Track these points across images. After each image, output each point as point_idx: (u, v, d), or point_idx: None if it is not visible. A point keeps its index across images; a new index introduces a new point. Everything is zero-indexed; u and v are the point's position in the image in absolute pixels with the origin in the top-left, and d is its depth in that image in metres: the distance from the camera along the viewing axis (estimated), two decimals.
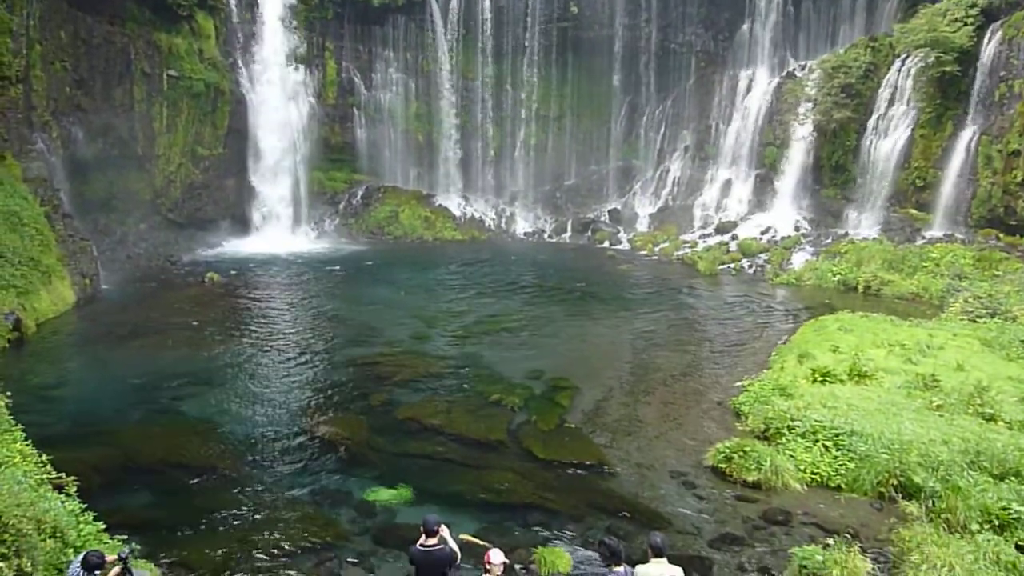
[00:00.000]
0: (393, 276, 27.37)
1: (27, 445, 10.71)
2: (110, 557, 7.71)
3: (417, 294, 24.97)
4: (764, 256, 30.61)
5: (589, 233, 36.48)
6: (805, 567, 9.12)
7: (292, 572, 9.77)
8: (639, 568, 6.91)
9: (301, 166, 33.10)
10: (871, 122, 30.66)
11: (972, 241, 26.71)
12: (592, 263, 31.22)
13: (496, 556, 6.98)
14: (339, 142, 35.97)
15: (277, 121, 32.39)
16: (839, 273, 26.89)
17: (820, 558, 9.05)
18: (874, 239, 28.67)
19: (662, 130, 37.97)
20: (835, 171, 32.04)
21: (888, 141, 29.93)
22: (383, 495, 11.73)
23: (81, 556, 7.55)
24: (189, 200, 30.78)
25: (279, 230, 32.48)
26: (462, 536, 8.24)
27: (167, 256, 28.16)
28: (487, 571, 6.94)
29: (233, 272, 26.72)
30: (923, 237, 28.17)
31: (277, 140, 32.30)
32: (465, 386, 16.55)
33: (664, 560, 6.92)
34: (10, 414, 11.54)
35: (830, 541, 9.80)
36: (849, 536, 10.02)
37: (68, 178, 25.29)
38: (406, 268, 28.68)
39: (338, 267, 28.26)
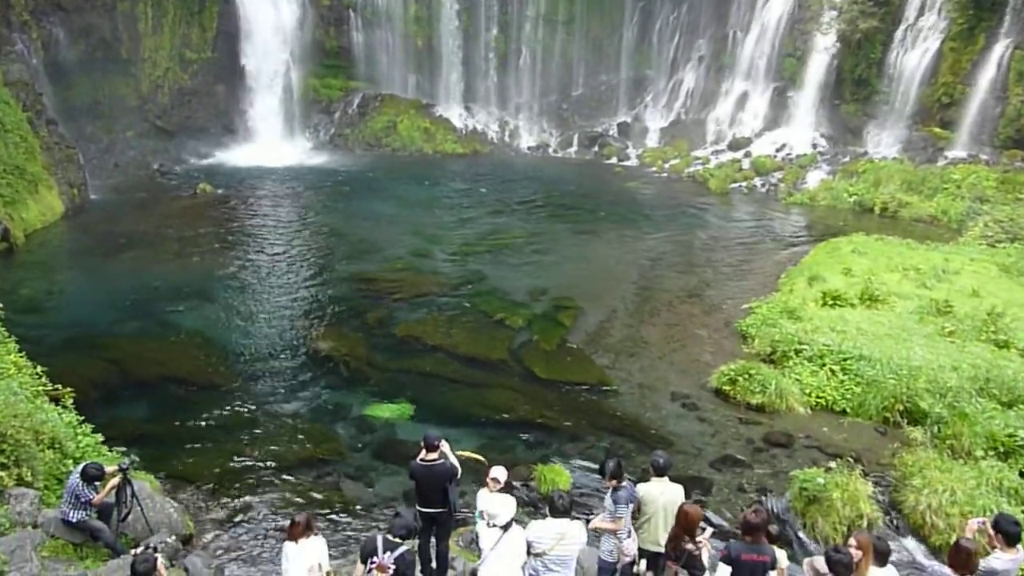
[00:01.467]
0: (393, 190, 27.07)
1: (21, 357, 10.69)
2: (110, 468, 7.78)
3: (417, 209, 24.76)
4: (778, 174, 30.10)
5: (596, 148, 35.71)
6: (805, 489, 9.21)
7: (292, 485, 9.90)
8: (640, 486, 7.03)
9: (294, 72, 32.10)
10: (898, 33, 29.40)
11: (996, 162, 26.04)
12: (599, 180, 30.88)
13: (499, 472, 7.02)
14: (334, 46, 34.40)
15: (268, 23, 31.05)
16: (855, 194, 26.50)
17: (821, 481, 9.12)
18: (894, 159, 28.05)
19: (676, 38, 36.42)
20: (857, 85, 30.97)
21: (915, 54, 28.81)
22: (383, 411, 11.88)
23: (80, 467, 7.62)
24: (178, 107, 29.99)
25: (272, 140, 31.58)
26: (462, 452, 8.29)
27: (156, 165, 27.71)
28: (488, 487, 7.00)
29: (225, 183, 26.33)
30: (945, 157, 27.49)
31: (269, 44, 31.15)
32: (466, 304, 16.54)
33: (665, 479, 7.02)
34: (3, 326, 11.50)
35: (832, 464, 9.91)
36: (851, 460, 10.08)
37: (51, 82, 24.60)
38: (406, 182, 28.30)
39: (332, 182, 27.77)
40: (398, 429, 11.50)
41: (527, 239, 21.86)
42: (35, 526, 7.50)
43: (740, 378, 12.55)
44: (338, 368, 13.32)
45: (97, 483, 7.56)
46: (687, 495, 7.16)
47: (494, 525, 6.29)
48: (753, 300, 16.67)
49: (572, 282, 18.29)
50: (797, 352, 13.22)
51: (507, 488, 7.35)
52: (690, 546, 6.34)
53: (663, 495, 6.92)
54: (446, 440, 7.78)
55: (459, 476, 7.71)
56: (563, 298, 17.06)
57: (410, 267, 18.92)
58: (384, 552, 5.83)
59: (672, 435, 11.60)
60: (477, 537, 6.72)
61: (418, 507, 7.47)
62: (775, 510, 9.30)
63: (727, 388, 12.68)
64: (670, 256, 20.93)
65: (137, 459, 9.27)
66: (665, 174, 32.50)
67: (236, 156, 30.34)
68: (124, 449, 9.52)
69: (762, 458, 10.99)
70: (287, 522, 6.77)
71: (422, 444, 7.51)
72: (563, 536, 6.15)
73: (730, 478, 10.43)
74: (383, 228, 22.32)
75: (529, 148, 36.26)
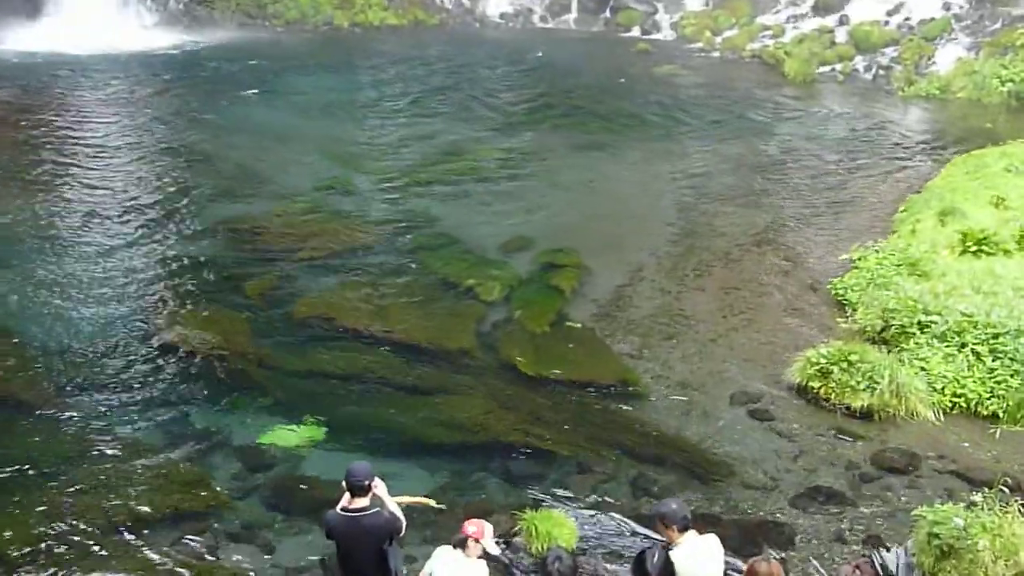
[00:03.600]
0: (288, 87, 26.95)
1: None
2: None
3: (327, 117, 24.69)
4: (891, 52, 30.38)
5: (608, 14, 35.78)
6: (937, 536, 9.10)
7: (141, 556, 9.83)
8: (671, 555, 7.26)
9: None
10: None
11: None
12: (613, 63, 30.86)
13: (481, 529, 7.16)
14: None
15: None
16: (1011, 79, 26.57)
17: (960, 522, 9.01)
18: None
19: None
20: None
21: None
22: (281, 436, 11.88)
23: None
24: None
25: (93, 10, 31.06)
26: (404, 497, 8.41)
27: None
28: (464, 549, 7.15)
29: (18, 83, 25.99)
30: None
31: None
32: (410, 265, 16.73)
33: (692, 532, 7.29)
34: None
35: (977, 497, 9.91)
36: (1006, 490, 10.02)
37: None
38: (309, 74, 28.27)
39: (191, 77, 27.54)
40: (305, 463, 11.49)
41: (502, 161, 21.98)
42: None
43: (835, 368, 12.58)
44: (209, 370, 13.31)
45: None
46: (756, 545, 7.62)
47: None
48: (855, 247, 16.82)
49: (572, 226, 18.41)
50: (923, 327, 13.25)
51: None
52: None
53: (699, 561, 7.23)
54: (382, 479, 7.80)
55: (403, 532, 7.76)
56: (559, 251, 17.18)
57: (317, 208, 19.03)
58: None
59: (732, 459, 11.65)
60: None
61: None
62: (892, 568, 9.36)
63: (816, 385, 12.73)
64: (725, 182, 21.05)
65: None
66: (716, 53, 32.66)
67: (38, 39, 29.82)
68: None
69: (870, 490, 11.07)
70: None
71: (344, 485, 7.57)
72: None
73: (822, 522, 10.48)
74: (273, 148, 22.28)
75: (502, 16, 36.23)
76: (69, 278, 15.88)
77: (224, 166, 21.02)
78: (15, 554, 9.68)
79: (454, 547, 7.42)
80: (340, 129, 23.79)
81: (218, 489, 11.04)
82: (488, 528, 7.41)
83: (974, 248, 15.76)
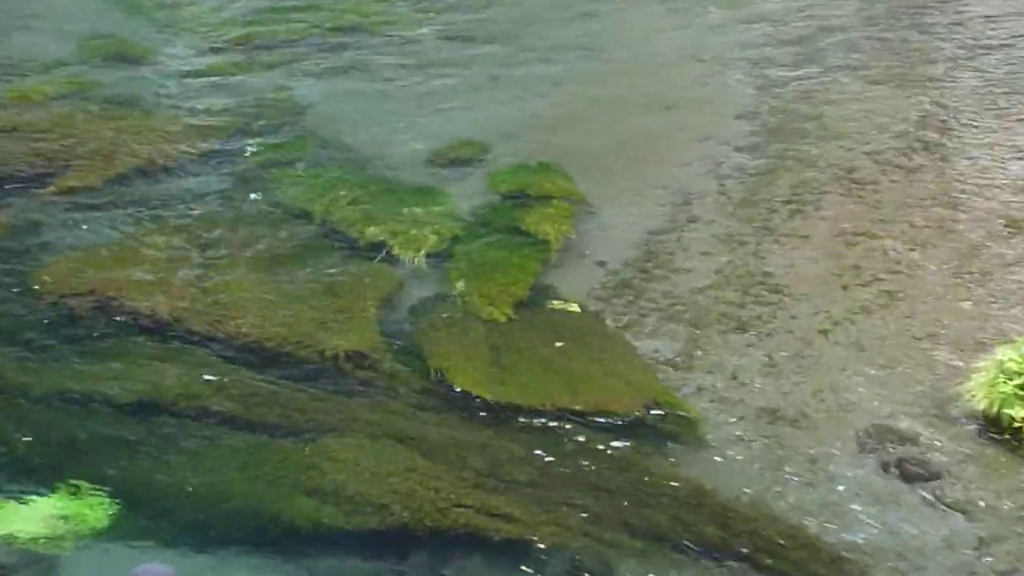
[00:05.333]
0: None
1: None
2: None
3: None
4: None
5: None
6: None
7: None
8: None
9: None
10: None
11: None
12: None
13: None
14: None
15: None
16: None
17: None
18: None
19: None
20: None
21: None
22: (20, 519, 11.25)
23: None
24: None
25: None
26: None
27: None
28: None
29: None
30: None
31: None
32: (261, 199, 16.75)
33: None
34: None
35: None
36: None
37: None
38: None
39: None
40: (59, 570, 10.80)
41: (423, 5, 24.02)
42: None
43: None
44: None
45: None
46: None
47: None
48: None
49: (559, 122, 19.05)
50: None
51: None
52: None
53: None
54: None
55: None
56: (536, 169, 17.30)
57: (89, 92, 19.95)
58: None
59: (862, 554, 10.82)
60: None
61: None
62: None
63: (1009, 412, 11.93)
64: (842, 38, 22.13)
65: None
66: None
67: None
68: None
69: None
70: None
71: None
72: None
73: None
74: None
75: None
76: None
77: None
78: None
79: None
80: None
81: None
82: None
83: None
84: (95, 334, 13.66)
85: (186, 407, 12.54)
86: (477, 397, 12.58)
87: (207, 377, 13.03)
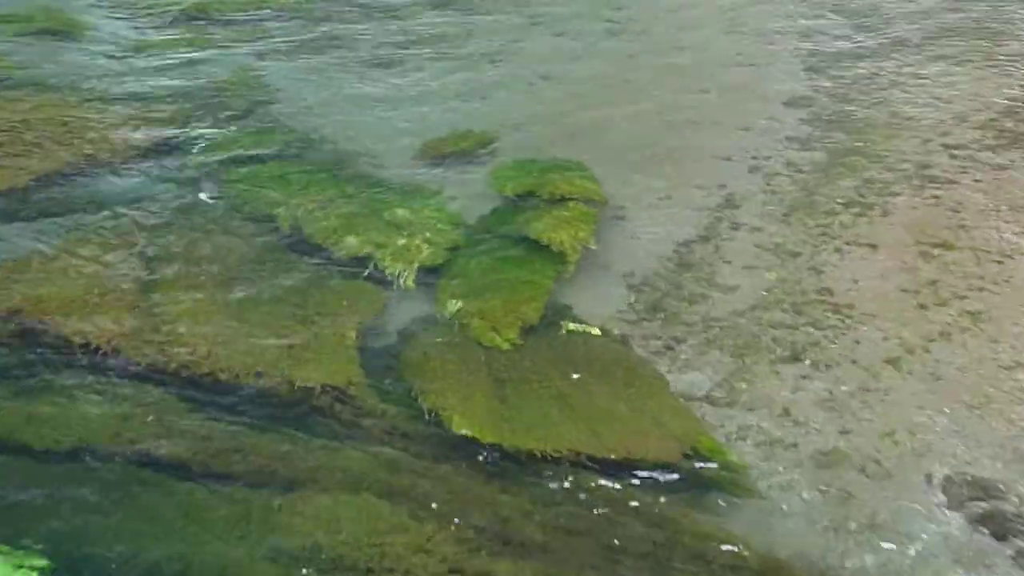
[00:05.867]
0: None
1: None
2: None
3: None
4: None
5: None
6: None
7: None
8: None
9: None
10: None
11: None
12: None
13: None
14: None
15: None
16: None
17: None
18: None
19: None
20: None
21: None
22: None
23: None
24: None
25: None
26: None
27: None
28: None
29: None
30: None
31: None
32: (205, 197, 16.85)
33: None
34: None
35: None
36: None
37: None
38: None
39: None
40: None
41: None
42: None
43: None
44: None
45: None
46: None
47: None
48: None
49: (576, 106, 19.27)
50: None
51: None
52: None
53: None
54: None
55: None
56: (549, 165, 17.43)
57: (3, 72, 20.22)
58: None
59: None
60: None
61: None
62: None
63: None
64: (913, 8, 23.17)
65: None
66: None
67: None
68: None
69: None
70: None
71: None
72: None
73: None
74: None
75: None
76: None
77: None
78: None
79: None
80: None
81: None
82: None
83: None
84: (17, 365, 13.50)
85: (128, 454, 12.32)
86: (478, 442, 12.43)
87: (151, 417, 12.80)
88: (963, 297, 14.63)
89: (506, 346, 13.86)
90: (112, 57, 21.04)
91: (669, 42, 21.55)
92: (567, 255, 15.30)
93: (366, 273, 15.26)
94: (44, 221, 16.05)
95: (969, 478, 12.02)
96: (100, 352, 13.59)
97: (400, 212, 16.36)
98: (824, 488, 11.99)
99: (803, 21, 21.86)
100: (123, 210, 16.44)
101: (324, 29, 22.45)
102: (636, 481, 12.12)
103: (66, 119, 18.34)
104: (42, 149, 17.29)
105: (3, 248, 15.36)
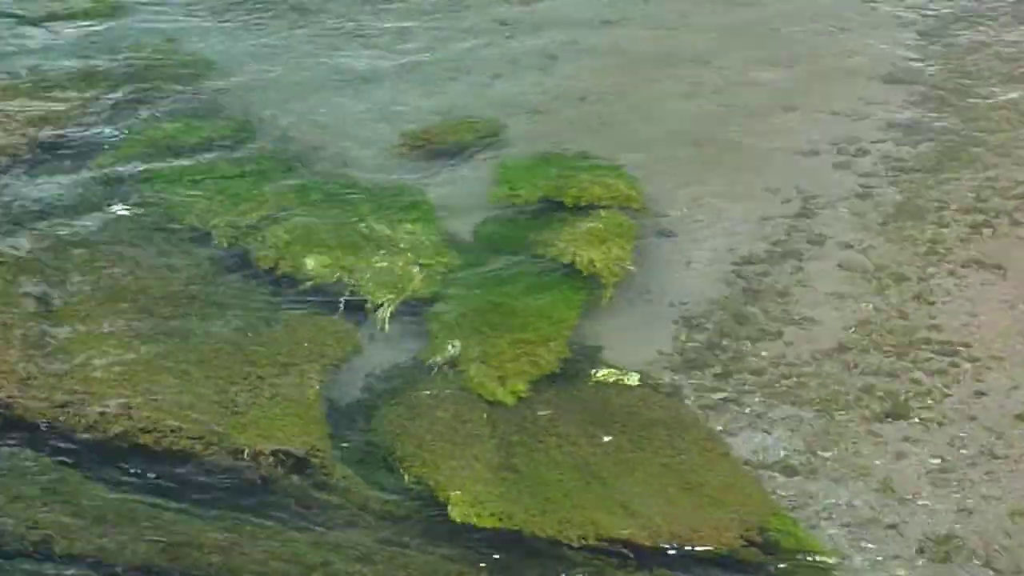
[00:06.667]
0: None
1: None
2: None
3: None
4: None
5: None
6: None
7: None
8: None
9: None
10: None
11: None
12: None
13: None
14: None
15: None
16: None
17: None
18: None
19: None
20: None
21: None
22: None
23: None
24: None
25: None
26: None
27: None
28: None
29: None
30: None
31: None
32: (119, 206, 17.09)
33: None
34: None
35: None
36: None
37: None
38: None
39: None
40: None
41: None
42: None
43: None
44: None
45: None
46: None
47: None
48: None
49: (604, 84, 19.87)
50: None
51: None
52: None
53: None
54: None
55: None
56: (564, 165, 17.72)
57: None
58: None
59: None
60: None
61: None
62: None
63: None
64: None
65: None
66: None
67: None
68: None
69: None
70: None
71: None
72: None
73: None
74: None
75: None
76: None
77: None
78: None
79: None
80: None
81: None
82: None
83: None
84: None
85: (22, 548, 12.01)
86: (473, 524, 12.20)
87: (53, 500, 12.50)
88: None
89: (514, 400, 13.64)
90: (8, 25, 21.19)
91: (731, 3, 21.46)
92: (602, 279, 15.28)
93: (339, 306, 15.18)
94: None
95: None
96: None
97: (376, 225, 16.30)
98: None
99: None
100: (19, 224, 16.51)
101: None
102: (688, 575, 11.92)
103: None
104: None
105: None
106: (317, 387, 13.80)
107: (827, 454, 13.09)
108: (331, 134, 18.26)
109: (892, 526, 12.28)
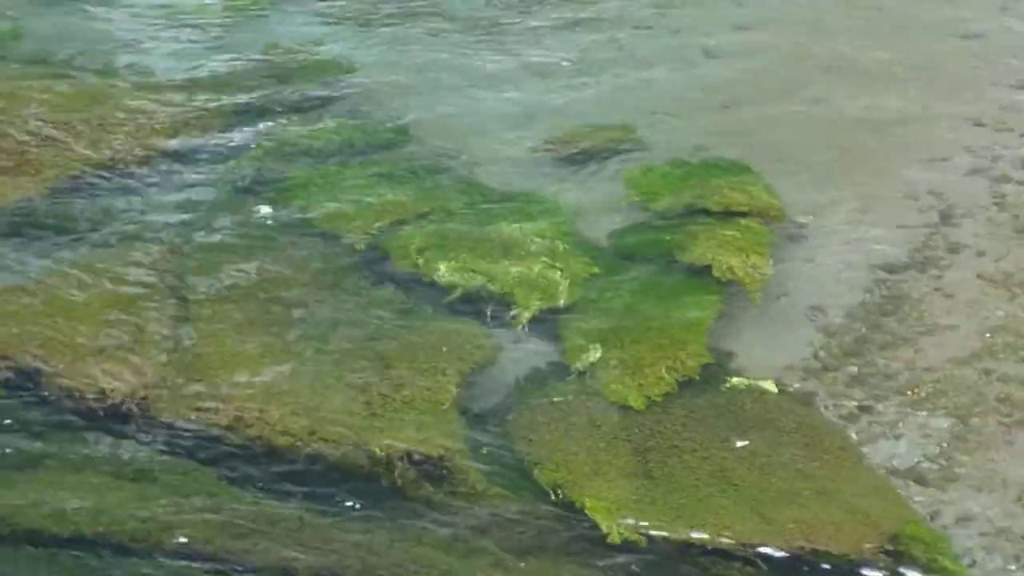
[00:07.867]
0: None
1: None
2: None
3: None
4: None
5: None
6: None
7: None
8: None
9: None
10: None
11: None
12: None
13: None
14: None
15: None
16: None
17: None
18: None
19: None
20: None
21: None
22: None
23: None
24: None
25: None
26: None
27: None
28: None
29: None
30: None
31: None
32: (260, 209, 17.28)
33: None
34: None
35: None
36: None
37: None
38: None
39: None
40: None
41: None
42: None
43: None
44: None
45: None
46: None
47: None
48: None
49: (741, 90, 19.82)
50: None
51: None
52: None
53: None
54: None
55: None
56: (701, 172, 17.62)
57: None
58: None
59: None
60: None
61: None
62: None
63: None
64: None
65: None
66: None
67: None
68: None
69: None
70: None
71: None
72: None
73: None
74: None
75: None
76: None
77: None
78: None
79: None
80: None
81: None
82: None
83: None
84: (9, 425, 13.40)
85: (153, 544, 12.14)
86: (605, 533, 12.13)
87: (185, 498, 12.61)
88: None
89: (639, 403, 13.69)
90: (136, 23, 21.20)
91: (871, 2, 21.23)
92: (744, 285, 15.28)
93: (487, 312, 15.26)
94: (56, 239, 16.29)
95: None
96: (119, 410, 13.45)
97: (512, 229, 16.30)
98: None
99: None
100: (153, 227, 16.59)
101: None
102: None
103: (83, 108, 18.38)
104: (56, 148, 17.45)
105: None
106: (454, 391, 13.81)
107: (963, 462, 12.99)
108: (466, 138, 18.29)
109: None
